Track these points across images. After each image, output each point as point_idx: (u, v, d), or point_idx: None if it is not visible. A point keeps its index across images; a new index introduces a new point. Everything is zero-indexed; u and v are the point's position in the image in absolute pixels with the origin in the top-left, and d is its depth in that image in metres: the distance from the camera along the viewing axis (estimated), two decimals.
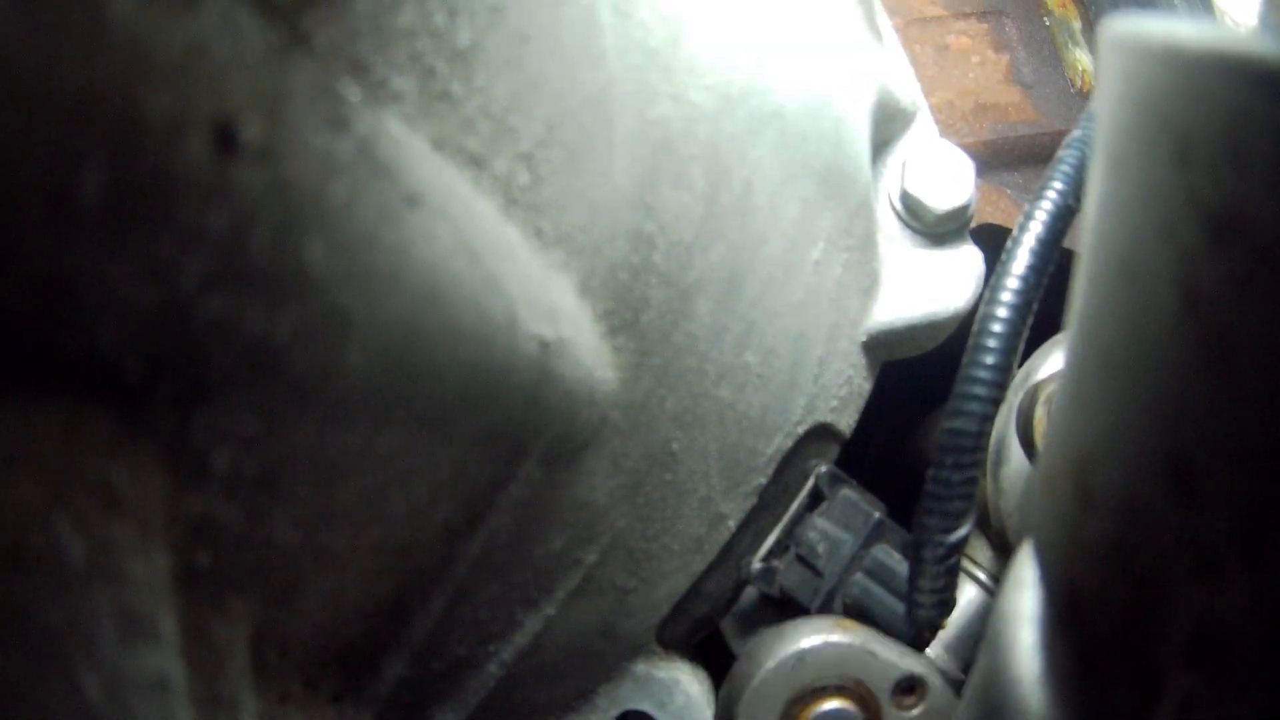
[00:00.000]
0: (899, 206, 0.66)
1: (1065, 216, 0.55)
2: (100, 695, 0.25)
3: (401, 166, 0.31)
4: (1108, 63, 0.26)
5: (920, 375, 0.74)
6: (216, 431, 0.30)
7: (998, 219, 0.82)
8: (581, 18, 0.39)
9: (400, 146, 0.31)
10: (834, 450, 0.64)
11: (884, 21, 0.68)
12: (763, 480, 0.58)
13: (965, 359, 0.54)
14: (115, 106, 0.23)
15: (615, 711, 0.62)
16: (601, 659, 0.60)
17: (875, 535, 0.62)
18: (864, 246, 0.61)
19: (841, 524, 0.62)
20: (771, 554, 0.62)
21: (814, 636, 0.59)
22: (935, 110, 0.78)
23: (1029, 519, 0.31)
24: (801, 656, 0.59)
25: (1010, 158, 0.88)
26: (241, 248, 0.26)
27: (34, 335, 0.24)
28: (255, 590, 0.36)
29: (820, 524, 0.62)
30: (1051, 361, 0.67)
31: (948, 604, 0.58)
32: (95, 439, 0.27)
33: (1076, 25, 0.93)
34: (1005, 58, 0.91)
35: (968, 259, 0.67)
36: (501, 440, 0.41)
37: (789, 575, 0.62)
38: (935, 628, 0.60)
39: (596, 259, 0.42)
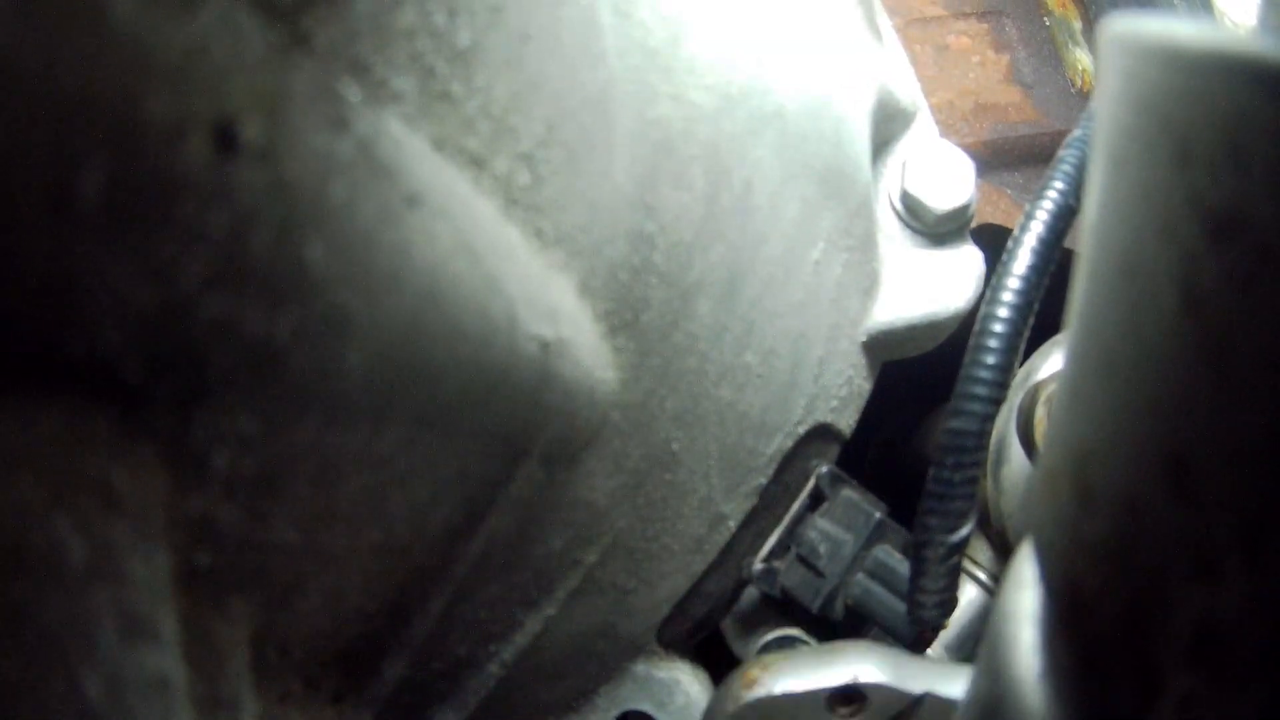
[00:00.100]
0: (899, 206, 0.66)
1: (1066, 216, 0.55)
2: (100, 695, 0.25)
3: (401, 167, 0.31)
4: (1107, 62, 0.26)
5: (920, 375, 0.74)
6: (216, 432, 0.30)
7: (998, 219, 0.82)
8: (581, 18, 0.39)
9: (400, 147, 0.31)
10: (834, 450, 0.64)
11: (884, 21, 0.68)
12: (763, 480, 0.58)
13: (966, 359, 0.54)
14: (115, 107, 0.23)
15: (615, 711, 0.62)
16: (602, 659, 0.60)
17: (876, 535, 0.62)
18: (864, 246, 0.61)
19: (843, 524, 0.62)
20: (772, 554, 0.62)
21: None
22: (935, 110, 0.78)
23: (1029, 518, 0.31)
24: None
25: (1010, 158, 0.88)
26: (241, 248, 0.26)
27: (34, 335, 0.24)
28: (255, 590, 0.36)
29: (821, 524, 0.62)
30: (1052, 361, 0.67)
31: (949, 604, 0.58)
32: (95, 439, 0.27)
33: (1076, 25, 0.93)
34: (1005, 58, 0.91)
35: (968, 259, 0.67)
36: (502, 440, 0.41)
37: (790, 576, 0.62)
38: (937, 628, 0.60)
39: (596, 259, 0.42)
